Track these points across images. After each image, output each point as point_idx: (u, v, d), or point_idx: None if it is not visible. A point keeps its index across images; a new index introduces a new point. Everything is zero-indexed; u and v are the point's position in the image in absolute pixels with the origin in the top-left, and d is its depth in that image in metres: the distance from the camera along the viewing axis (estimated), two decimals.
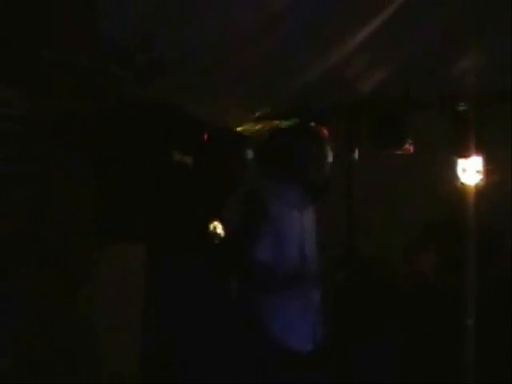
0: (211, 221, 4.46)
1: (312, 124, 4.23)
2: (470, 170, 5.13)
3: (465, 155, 5.13)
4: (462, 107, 5.14)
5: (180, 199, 4.66)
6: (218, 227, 4.44)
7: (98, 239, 4.72)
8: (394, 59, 4.63)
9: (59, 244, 4.53)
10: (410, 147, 5.35)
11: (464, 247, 4.90)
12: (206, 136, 4.30)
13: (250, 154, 4.45)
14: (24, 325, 4.22)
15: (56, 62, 3.83)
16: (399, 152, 5.36)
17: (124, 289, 4.81)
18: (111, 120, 4.67)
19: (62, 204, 4.56)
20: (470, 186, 5.11)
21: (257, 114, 5.27)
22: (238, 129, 5.14)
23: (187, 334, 4.56)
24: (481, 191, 5.07)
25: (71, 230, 4.65)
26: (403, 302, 4.99)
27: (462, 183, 5.13)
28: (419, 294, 4.98)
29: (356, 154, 5.66)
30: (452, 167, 5.16)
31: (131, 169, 4.69)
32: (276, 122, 5.09)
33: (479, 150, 5.10)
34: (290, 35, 4.04)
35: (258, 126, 5.24)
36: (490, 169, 5.12)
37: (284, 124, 5.00)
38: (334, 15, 3.94)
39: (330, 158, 3.67)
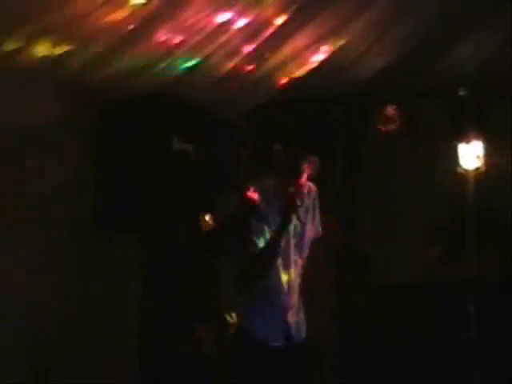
0: (203, 212, 4.50)
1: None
2: (470, 155, 5.11)
3: (465, 140, 5.11)
4: (461, 92, 5.12)
5: (175, 191, 4.67)
6: (208, 218, 4.48)
7: (97, 229, 4.73)
8: (395, 46, 4.60)
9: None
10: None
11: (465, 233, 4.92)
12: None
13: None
14: None
15: None
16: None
17: (121, 277, 4.84)
18: (110, 113, 4.67)
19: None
20: (470, 170, 5.09)
21: None
22: None
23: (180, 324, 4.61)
24: (481, 176, 5.06)
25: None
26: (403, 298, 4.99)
27: (462, 168, 5.11)
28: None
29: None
30: (452, 152, 5.14)
31: (128, 161, 4.69)
32: None
33: (479, 135, 5.08)
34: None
35: None
36: (489, 154, 5.10)
37: None
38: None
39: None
